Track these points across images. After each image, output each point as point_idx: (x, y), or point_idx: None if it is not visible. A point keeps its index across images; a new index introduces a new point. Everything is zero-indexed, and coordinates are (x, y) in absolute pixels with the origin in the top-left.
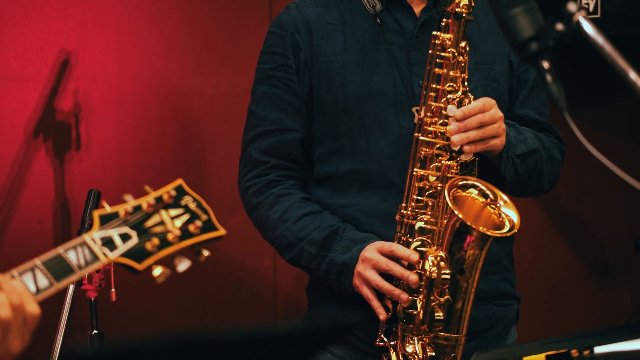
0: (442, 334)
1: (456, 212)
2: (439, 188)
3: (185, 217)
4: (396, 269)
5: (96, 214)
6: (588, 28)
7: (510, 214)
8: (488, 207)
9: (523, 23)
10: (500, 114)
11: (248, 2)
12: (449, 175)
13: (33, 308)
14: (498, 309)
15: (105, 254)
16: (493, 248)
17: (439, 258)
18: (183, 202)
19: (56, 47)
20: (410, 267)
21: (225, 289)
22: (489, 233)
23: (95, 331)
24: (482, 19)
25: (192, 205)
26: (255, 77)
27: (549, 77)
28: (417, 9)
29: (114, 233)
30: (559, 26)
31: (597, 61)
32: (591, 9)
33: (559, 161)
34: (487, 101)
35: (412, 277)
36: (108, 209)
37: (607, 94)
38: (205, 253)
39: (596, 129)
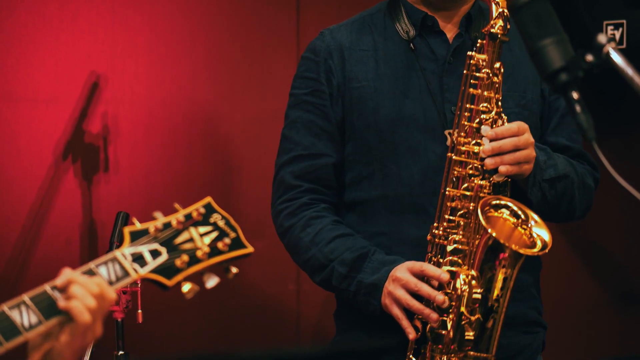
0: (472, 352)
1: (489, 230)
2: (471, 208)
3: (214, 234)
4: (425, 289)
5: (127, 230)
6: (618, 59)
7: (542, 233)
8: (519, 227)
9: (553, 54)
10: (532, 140)
11: (276, 28)
12: (482, 195)
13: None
14: (525, 337)
15: (135, 270)
16: (520, 275)
17: (470, 277)
18: (212, 220)
19: (86, 70)
20: (441, 287)
21: (249, 312)
22: (521, 251)
23: (121, 352)
24: (515, 47)
25: (221, 223)
26: (289, 102)
27: (578, 108)
28: (450, 35)
29: (144, 249)
30: (589, 57)
31: (624, 91)
32: (617, 40)
33: (591, 188)
34: (521, 125)
35: (439, 297)
36: (138, 225)
37: (634, 124)
38: (234, 270)
39: (622, 158)
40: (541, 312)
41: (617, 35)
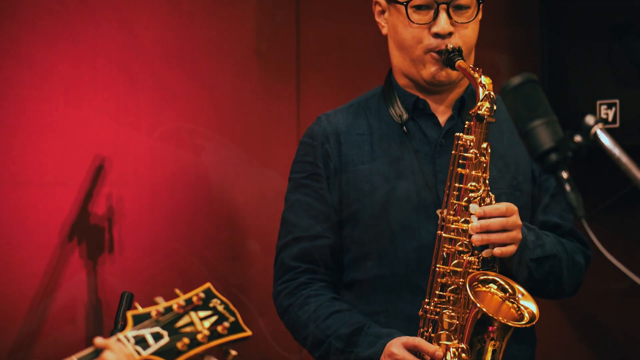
0: None
1: (478, 305)
2: (460, 283)
3: (214, 318)
4: None
5: (129, 314)
6: (605, 140)
7: (529, 305)
8: (507, 301)
9: (543, 135)
10: (519, 222)
11: (277, 112)
12: (470, 270)
13: None
14: None
15: (138, 352)
16: (515, 352)
17: (460, 349)
18: (211, 304)
19: (91, 153)
20: None
21: None
22: (509, 324)
23: None
24: (506, 130)
25: (220, 308)
26: (288, 186)
27: (567, 187)
28: (442, 118)
29: (147, 332)
30: (578, 138)
31: (617, 168)
32: (610, 119)
33: (582, 265)
34: (510, 206)
35: None
36: (141, 309)
37: (627, 199)
38: (233, 352)
39: (617, 234)
40: None
41: (611, 114)
